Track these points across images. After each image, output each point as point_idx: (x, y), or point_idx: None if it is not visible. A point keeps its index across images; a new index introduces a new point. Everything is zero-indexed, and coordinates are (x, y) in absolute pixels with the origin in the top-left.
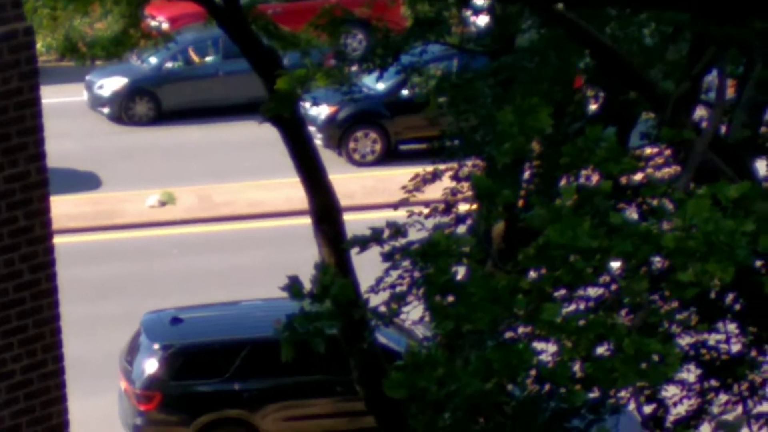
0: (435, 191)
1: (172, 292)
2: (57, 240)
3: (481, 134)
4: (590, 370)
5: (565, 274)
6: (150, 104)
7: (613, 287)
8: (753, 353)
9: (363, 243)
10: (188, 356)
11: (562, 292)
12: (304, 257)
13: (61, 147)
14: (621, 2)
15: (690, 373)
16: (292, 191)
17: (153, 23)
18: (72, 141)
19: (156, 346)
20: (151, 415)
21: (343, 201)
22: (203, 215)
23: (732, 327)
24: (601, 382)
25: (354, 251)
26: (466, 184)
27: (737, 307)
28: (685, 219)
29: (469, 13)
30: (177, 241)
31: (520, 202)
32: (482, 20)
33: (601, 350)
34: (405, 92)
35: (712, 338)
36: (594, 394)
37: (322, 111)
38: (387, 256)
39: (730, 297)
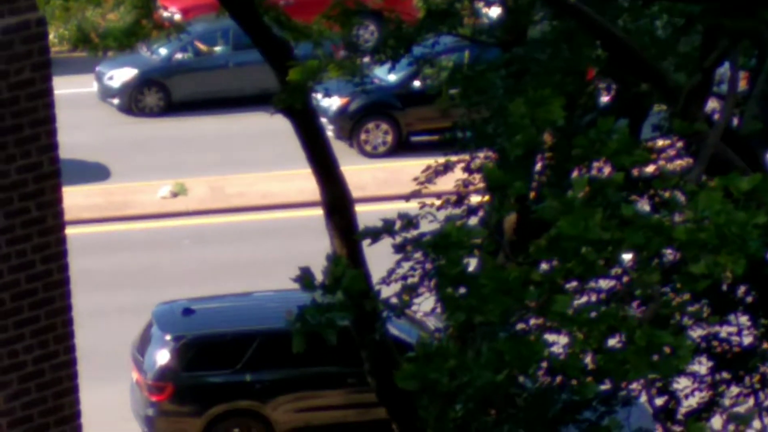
0: (447, 183)
1: (184, 283)
2: (69, 231)
3: (493, 126)
4: (602, 362)
5: (577, 265)
6: (160, 95)
7: (625, 279)
8: (765, 345)
9: (375, 234)
10: (200, 347)
11: (574, 284)
12: (316, 248)
13: (71, 138)
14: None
15: (701, 366)
16: (304, 182)
17: (165, 14)
18: (82, 132)
19: (168, 337)
20: (163, 406)
21: (355, 192)
22: (215, 206)
23: (744, 319)
24: (613, 375)
25: (366, 243)
26: (478, 176)
27: (749, 299)
28: (697, 211)
29: (481, 4)
30: (189, 232)
31: (532, 194)
32: (494, 12)
33: (612, 342)
34: (416, 84)
35: (724, 330)
36: (605, 387)
37: (333, 102)
38: (399, 248)
39: (741, 289)
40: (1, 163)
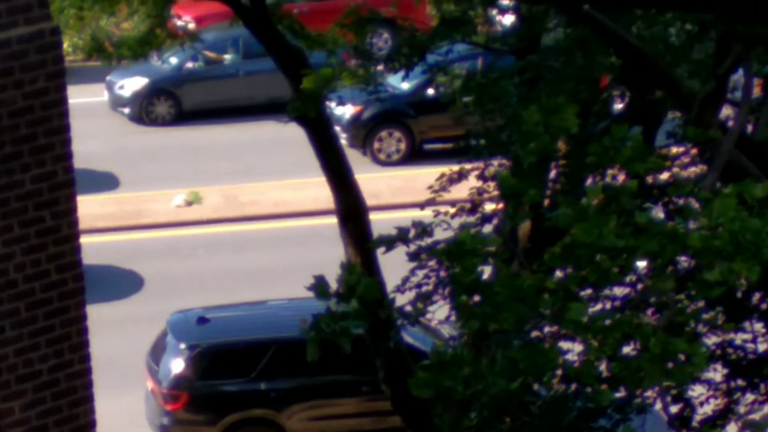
0: (461, 191)
1: (198, 291)
2: (83, 240)
3: (507, 134)
4: (616, 369)
5: (591, 273)
6: (170, 104)
7: (639, 287)
8: None
9: (389, 242)
10: (214, 356)
11: (588, 291)
12: (330, 257)
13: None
14: (646, 4)
15: (716, 373)
16: (318, 191)
17: (179, 23)
18: (94, 141)
19: (182, 346)
20: (178, 415)
21: (369, 200)
22: (229, 215)
23: (759, 326)
24: (628, 382)
25: (380, 251)
26: (492, 184)
27: (764, 306)
28: (711, 218)
29: (494, 12)
30: (203, 240)
31: (546, 202)
32: (508, 19)
33: (627, 350)
34: (430, 92)
35: (739, 338)
36: (620, 394)
37: (346, 111)
38: (413, 256)
39: (756, 296)
40: (16, 173)
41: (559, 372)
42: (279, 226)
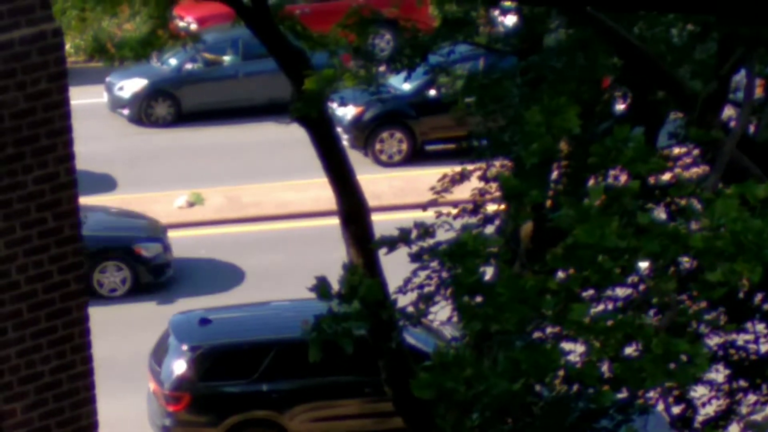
0: (463, 192)
1: (201, 292)
2: None
3: (509, 134)
4: (618, 370)
5: (593, 274)
6: (170, 106)
7: (641, 287)
8: None
9: (391, 243)
10: (217, 357)
11: (590, 292)
12: (333, 258)
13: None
14: (647, 6)
15: (718, 374)
16: (320, 191)
17: (181, 24)
18: (94, 143)
19: (184, 347)
20: (180, 416)
21: (371, 201)
22: (232, 216)
23: (761, 327)
24: (630, 383)
25: (382, 252)
26: (494, 185)
27: (766, 307)
28: (714, 219)
29: (496, 13)
30: (205, 241)
31: (548, 203)
32: (510, 20)
33: (629, 350)
34: (431, 92)
35: (741, 338)
36: (622, 395)
37: (348, 111)
38: (415, 257)
39: (758, 297)
40: (18, 174)
41: (561, 373)
42: (281, 227)
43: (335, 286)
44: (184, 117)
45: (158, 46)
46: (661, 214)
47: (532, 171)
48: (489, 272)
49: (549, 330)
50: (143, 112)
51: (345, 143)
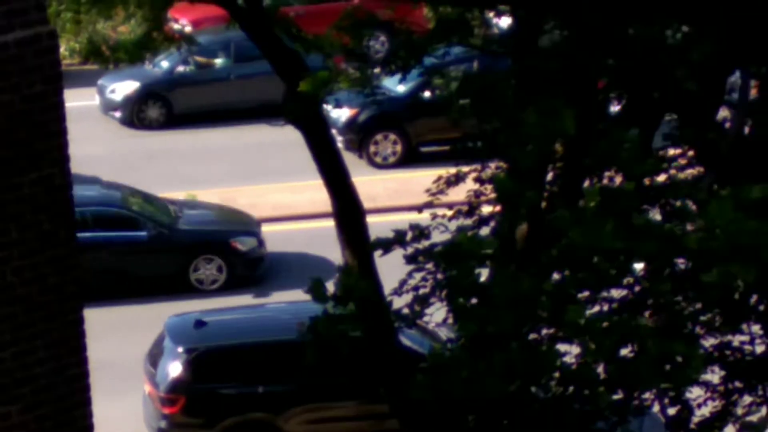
0: (458, 193)
1: (196, 295)
2: None
3: (504, 136)
4: (614, 372)
5: (589, 275)
6: (162, 108)
7: (637, 289)
8: None
9: (386, 245)
10: (212, 359)
11: (586, 293)
12: (328, 260)
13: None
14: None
15: (714, 375)
16: (315, 193)
17: (176, 26)
18: (86, 145)
19: (180, 350)
20: (176, 419)
21: (366, 203)
22: None
23: (756, 328)
24: (625, 384)
25: (377, 253)
26: (489, 186)
27: (761, 307)
28: (709, 220)
29: (491, 14)
30: None
31: (544, 204)
32: (505, 21)
33: (624, 352)
34: (426, 94)
35: (737, 339)
36: (618, 396)
37: (342, 114)
38: (410, 258)
39: (754, 298)
40: (14, 176)
41: (556, 374)
42: (276, 228)
43: (331, 288)
44: (175, 119)
45: (153, 48)
46: (656, 215)
47: (528, 173)
48: (484, 274)
49: (545, 331)
50: (135, 114)
51: (339, 145)
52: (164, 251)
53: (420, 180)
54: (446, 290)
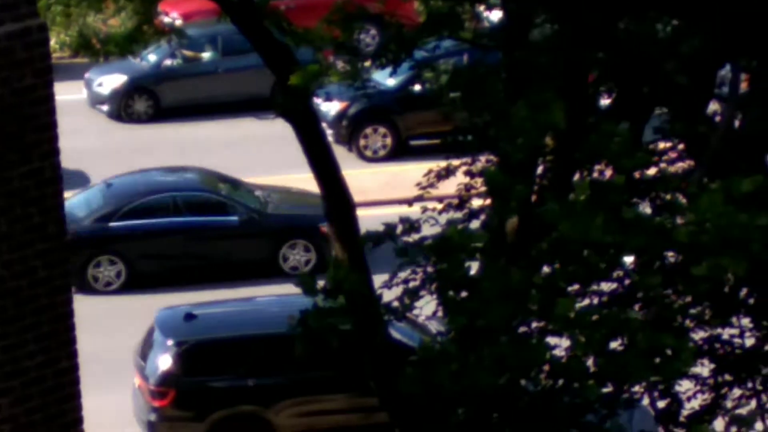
0: (448, 187)
1: (187, 288)
2: None
3: (494, 130)
4: (603, 364)
5: (579, 268)
6: (149, 102)
7: (627, 282)
8: (767, 347)
9: (376, 238)
10: (202, 352)
11: (576, 287)
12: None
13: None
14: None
15: (704, 368)
16: (306, 187)
17: (166, 20)
18: (74, 139)
19: (170, 343)
20: (165, 411)
21: (356, 196)
22: None
23: (746, 321)
24: (615, 377)
25: (367, 247)
26: (479, 180)
27: (751, 301)
28: (699, 213)
29: (482, 7)
30: None
31: (534, 198)
32: (495, 15)
33: (614, 345)
34: (416, 87)
35: (726, 333)
36: (608, 389)
37: (332, 107)
38: (400, 252)
39: (744, 291)
40: (3, 170)
41: (546, 367)
42: None
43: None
44: (163, 113)
45: (143, 41)
46: (646, 208)
47: (518, 166)
48: (474, 267)
49: (534, 324)
50: (122, 108)
51: (329, 138)
52: (255, 236)
53: (410, 173)
54: (436, 283)
